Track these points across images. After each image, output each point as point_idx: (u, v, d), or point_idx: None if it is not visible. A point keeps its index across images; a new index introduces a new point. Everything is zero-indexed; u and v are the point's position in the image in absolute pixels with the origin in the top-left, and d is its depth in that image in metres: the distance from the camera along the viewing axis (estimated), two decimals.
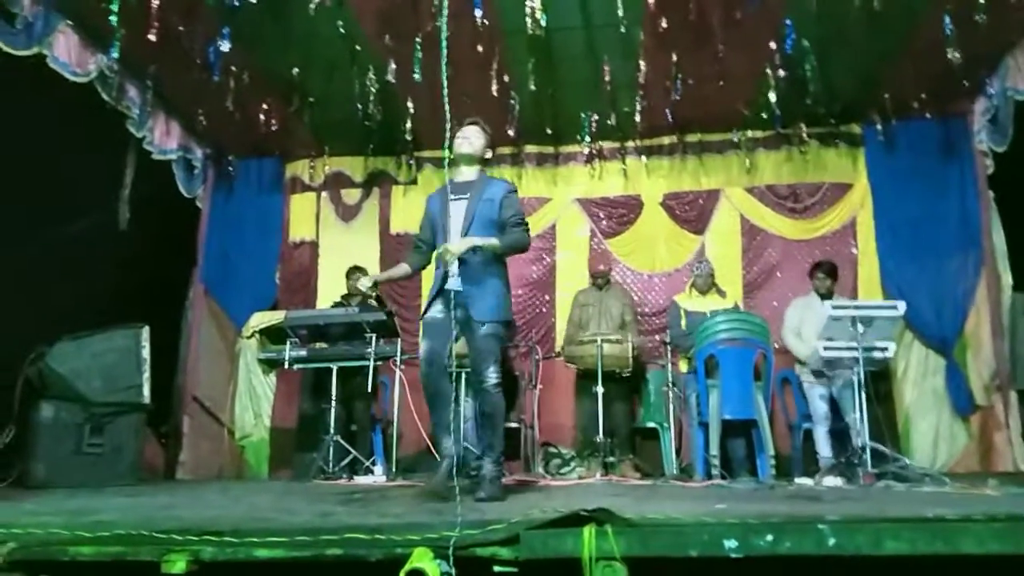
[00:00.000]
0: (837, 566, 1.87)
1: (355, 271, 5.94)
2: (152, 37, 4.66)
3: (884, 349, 4.30)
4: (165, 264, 6.41)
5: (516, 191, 3.47)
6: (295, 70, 5.41)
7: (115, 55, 4.87)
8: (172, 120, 6.06)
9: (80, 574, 2.03)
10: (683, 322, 5.38)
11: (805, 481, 4.39)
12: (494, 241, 3.27)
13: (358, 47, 5.13)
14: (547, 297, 6.55)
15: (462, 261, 3.27)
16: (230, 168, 6.75)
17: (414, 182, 6.85)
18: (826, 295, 5.14)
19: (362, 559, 1.92)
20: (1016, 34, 5.00)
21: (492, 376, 3.22)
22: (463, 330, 3.33)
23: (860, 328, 4.17)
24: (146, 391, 4.75)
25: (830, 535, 1.84)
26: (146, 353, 4.78)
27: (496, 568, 1.91)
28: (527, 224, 3.42)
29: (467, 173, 3.44)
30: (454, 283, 3.30)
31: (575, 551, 1.85)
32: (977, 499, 2.86)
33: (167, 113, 5.97)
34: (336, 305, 5.82)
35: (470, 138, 3.41)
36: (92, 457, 4.47)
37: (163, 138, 5.97)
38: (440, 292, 3.34)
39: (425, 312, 3.40)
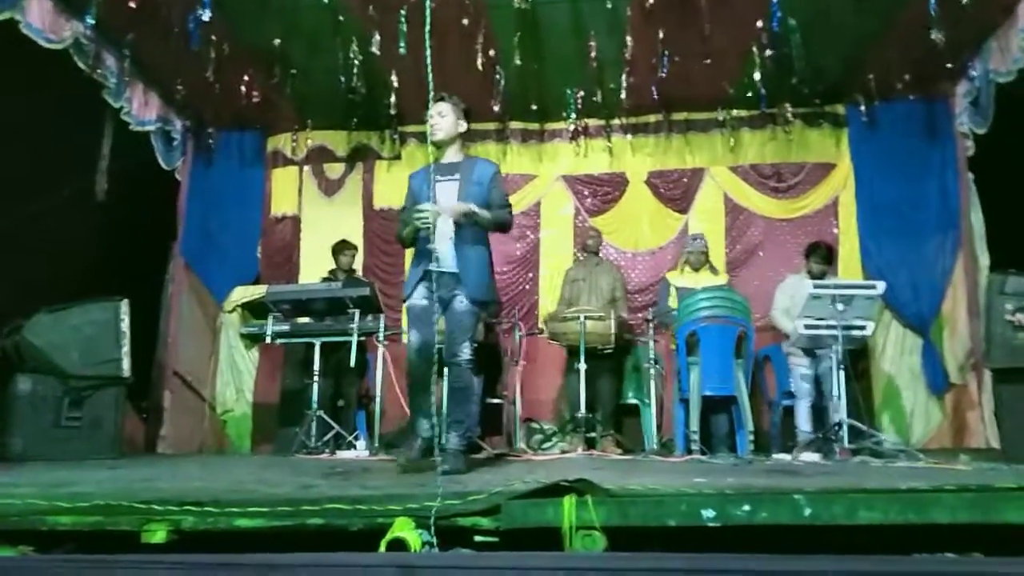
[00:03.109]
0: (813, 536, 1.91)
1: (343, 246, 5.86)
2: (130, 4, 4.55)
3: (863, 328, 4.36)
4: (144, 237, 6.32)
5: (500, 171, 3.49)
6: (277, 41, 5.29)
7: (91, 22, 4.75)
8: (150, 91, 5.92)
9: (61, 544, 2.02)
10: (672, 299, 5.37)
11: (783, 456, 4.45)
12: (486, 213, 3.31)
13: (341, 18, 5.05)
14: (531, 275, 6.57)
15: (455, 229, 3.27)
16: (210, 140, 6.63)
17: (398, 157, 6.79)
18: (819, 277, 5.03)
19: (343, 529, 1.92)
20: (1000, 17, 5.01)
21: (466, 352, 3.26)
22: (443, 307, 3.32)
23: (840, 306, 4.23)
24: (126, 365, 4.69)
25: (806, 505, 1.88)
26: (125, 327, 4.71)
27: (477, 538, 1.93)
28: (511, 205, 3.54)
29: (450, 154, 3.43)
30: (436, 265, 3.23)
31: (555, 521, 1.87)
32: (949, 473, 2.92)
33: (145, 83, 5.83)
34: (324, 281, 5.77)
35: (440, 120, 3.34)
36: (71, 431, 4.41)
37: (141, 109, 5.84)
38: (424, 275, 3.30)
39: (408, 296, 3.36)
